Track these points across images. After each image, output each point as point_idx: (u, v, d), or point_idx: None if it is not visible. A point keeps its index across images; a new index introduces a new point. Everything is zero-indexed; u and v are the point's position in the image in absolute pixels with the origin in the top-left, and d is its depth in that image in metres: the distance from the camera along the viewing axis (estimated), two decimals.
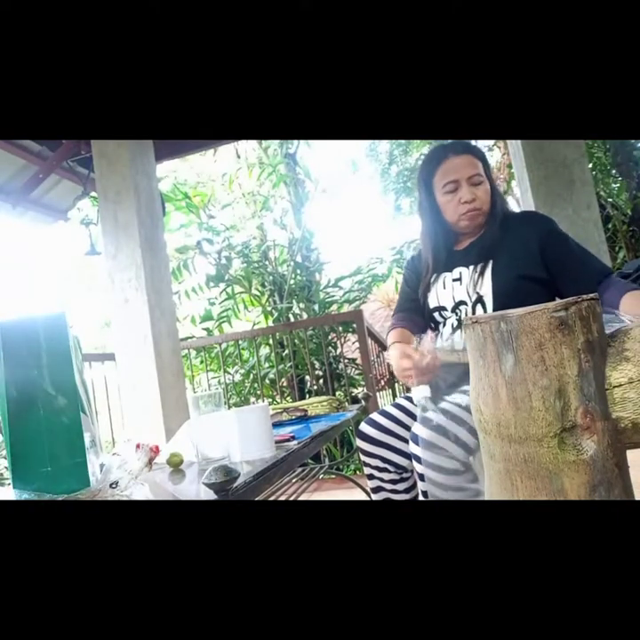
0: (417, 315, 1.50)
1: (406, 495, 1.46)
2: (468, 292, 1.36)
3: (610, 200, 5.68)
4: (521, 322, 0.54)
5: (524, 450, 0.54)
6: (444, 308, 1.42)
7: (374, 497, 1.50)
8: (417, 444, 1.25)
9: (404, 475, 1.45)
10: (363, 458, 1.48)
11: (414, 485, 1.43)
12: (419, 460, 1.25)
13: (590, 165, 4.53)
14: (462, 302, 1.38)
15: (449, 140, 1.47)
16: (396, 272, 5.53)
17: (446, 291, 1.42)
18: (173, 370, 2.81)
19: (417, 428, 1.26)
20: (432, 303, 1.45)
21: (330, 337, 4.60)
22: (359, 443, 1.48)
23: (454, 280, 1.42)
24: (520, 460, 0.55)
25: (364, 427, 1.48)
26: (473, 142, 1.51)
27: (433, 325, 1.48)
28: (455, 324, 1.39)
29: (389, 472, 1.45)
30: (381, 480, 1.46)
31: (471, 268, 1.39)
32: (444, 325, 1.43)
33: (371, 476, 1.48)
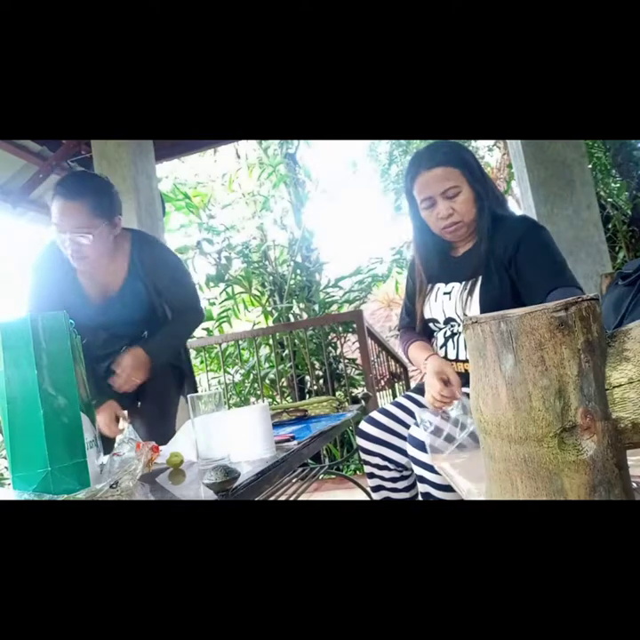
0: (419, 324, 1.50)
1: (406, 494, 1.47)
2: (456, 311, 1.36)
3: (610, 200, 5.68)
4: (521, 322, 0.54)
5: (524, 450, 0.54)
6: (436, 321, 1.42)
7: (374, 496, 1.51)
8: (414, 447, 1.26)
9: (405, 473, 1.46)
10: (363, 456, 1.49)
11: (414, 484, 1.43)
12: (416, 462, 1.26)
13: (590, 165, 4.53)
14: (452, 319, 1.38)
15: (439, 140, 1.39)
16: (396, 272, 5.53)
17: (437, 304, 1.41)
18: None
19: (414, 431, 1.27)
20: (426, 314, 1.45)
21: (330, 337, 4.60)
22: (359, 441, 1.48)
23: (445, 294, 1.40)
24: (520, 460, 0.55)
25: (364, 425, 1.48)
26: (467, 140, 1.48)
27: (427, 333, 1.48)
28: (448, 334, 1.40)
29: (390, 470, 1.45)
30: (381, 478, 1.47)
31: (462, 283, 1.36)
32: (437, 335, 1.43)
33: (371, 475, 1.48)
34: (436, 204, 1.34)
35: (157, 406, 1.75)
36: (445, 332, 1.40)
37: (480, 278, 1.32)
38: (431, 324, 1.44)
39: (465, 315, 1.32)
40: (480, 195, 1.34)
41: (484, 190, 1.34)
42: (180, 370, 1.85)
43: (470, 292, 1.32)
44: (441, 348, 1.40)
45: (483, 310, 1.29)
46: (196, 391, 1.90)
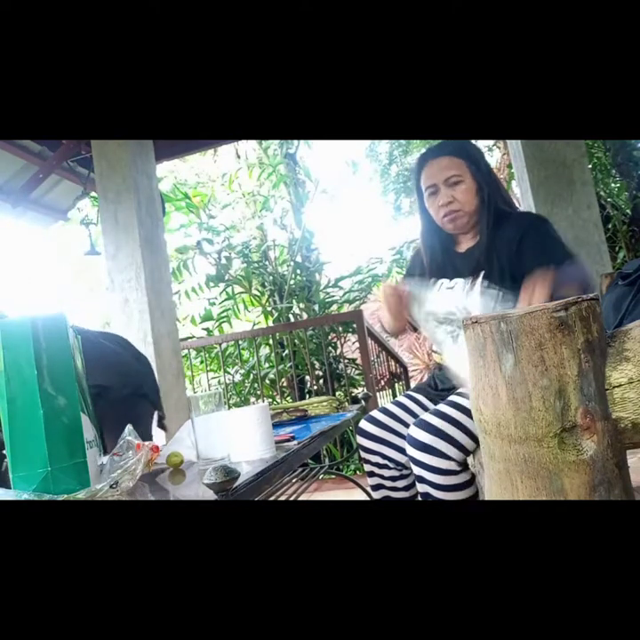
0: None
1: (405, 493, 1.47)
2: (456, 305, 1.36)
3: (610, 200, 5.67)
4: (521, 322, 0.54)
5: (524, 450, 0.54)
6: (435, 314, 1.43)
7: (374, 494, 1.51)
8: (413, 447, 1.26)
9: (404, 472, 1.46)
10: (363, 455, 1.49)
11: (414, 483, 1.43)
12: (415, 462, 1.26)
13: (590, 165, 4.53)
14: (451, 313, 1.38)
15: (443, 141, 1.44)
16: (396, 272, 5.53)
17: (439, 296, 1.42)
18: (173, 370, 2.81)
19: (413, 431, 1.27)
20: (427, 306, 1.45)
21: (330, 337, 4.60)
22: (359, 439, 1.49)
23: (448, 289, 1.41)
24: (520, 459, 0.55)
25: (364, 424, 1.49)
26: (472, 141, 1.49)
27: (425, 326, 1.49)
28: (449, 329, 1.40)
29: (389, 469, 1.46)
30: (381, 477, 1.47)
31: (464, 279, 1.37)
32: (436, 330, 1.44)
33: (371, 474, 1.49)
34: (438, 192, 1.36)
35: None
36: (446, 328, 1.40)
37: (482, 273, 1.33)
38: (430, 317, 1.45)
39: (465, 310, 1.32)
40: (482, 187, 1.35)
41: (487, 184, 1.36)
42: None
43: (472, 287, 1.33)
44: (441, 343, 1.40)
45: (483, 306, 1.29)
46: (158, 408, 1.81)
